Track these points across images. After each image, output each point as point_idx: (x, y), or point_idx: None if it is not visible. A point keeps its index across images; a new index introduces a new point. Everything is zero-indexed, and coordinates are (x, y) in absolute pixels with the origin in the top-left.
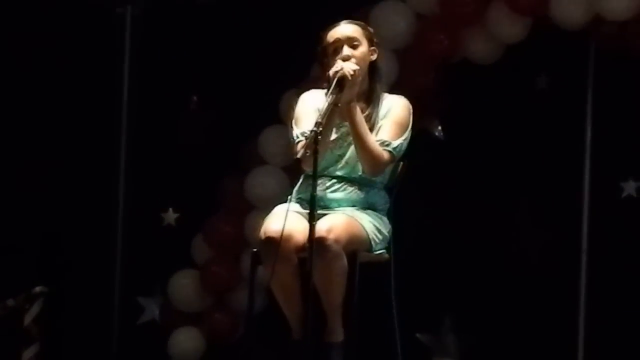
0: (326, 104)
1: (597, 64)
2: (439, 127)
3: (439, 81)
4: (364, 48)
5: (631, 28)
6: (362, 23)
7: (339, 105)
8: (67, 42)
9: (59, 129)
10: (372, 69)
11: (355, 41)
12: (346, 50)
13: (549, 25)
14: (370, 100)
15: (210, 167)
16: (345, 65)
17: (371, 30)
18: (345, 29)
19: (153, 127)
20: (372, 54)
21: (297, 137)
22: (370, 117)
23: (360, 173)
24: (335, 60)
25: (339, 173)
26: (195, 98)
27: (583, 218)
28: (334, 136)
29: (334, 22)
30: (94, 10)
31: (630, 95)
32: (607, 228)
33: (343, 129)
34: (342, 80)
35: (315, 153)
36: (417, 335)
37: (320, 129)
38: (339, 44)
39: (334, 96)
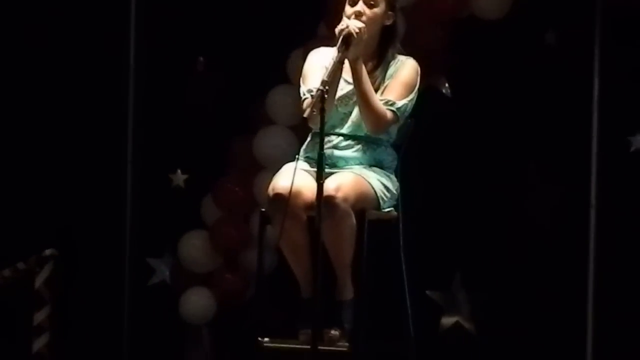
0: (332, 62)
1: (604, 19)
2: (446, 84)
3: (446, 38)
4: (379, 10)
5: None
6: None
7: (346, 62)
8: (72, 5)
9: (67, 92)
10: (386, 32)
11: (372, 0)
12: (359, 6)
13: None
14: (379, 63)
15: (218, 128)
16: (351, 23)
17: None
18: None
19: (160, 88)
20: (387, 18)
21: (304, 95)
22: (377, 79)
23: (366, 131)
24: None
25: (345, 131)
26: (202, 59)
27: (591, 173)
28: (339, 94)
29: None
30: None
31: (637, 50)
32: (615, 183)
33: (349, 88)
34: (348, 38)
35: (322, 111)
36: (427, 292)
37: (327, 87)
38: None
39: (340, 54)
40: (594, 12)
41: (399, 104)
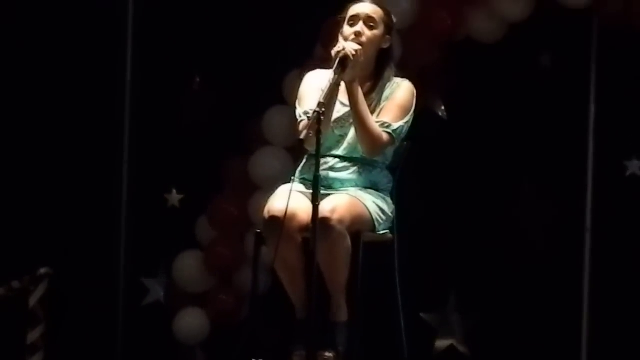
0: (328, 84)
1: (600, 41)
2: (442, 107)
3: (443, 60)
4: (377, 32)
5: (635, 5)
6: (387, 9)
7: (342, 84)
8: (69, 23)
9: (62, 111)
10: (382, 55)
11: (372, 22)
12: (359, 27)
13: (552, 3)
14: (375, 85)
15: (213, 147)
16: (347, 45)
17: (394, 19)
18: (367, 7)
19: (156, 107)
20: (385, 41)
21: (300, 117)
22: (373, 101)
23: (361, 153)
24: (340, 38)
25: (341, 153)
26: (198, 78)
27: (587, 197)
28: (335, 116)
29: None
30: None
31: (633, 73)
32: (611, 207)
33: (345, 110)
34: (345, 60)
35: (318, 133)
36: (422, 314)
37: (323, 109)
38: (356, 19)
39: (337, 76)
40: (590, 35)
41: (395, 126)
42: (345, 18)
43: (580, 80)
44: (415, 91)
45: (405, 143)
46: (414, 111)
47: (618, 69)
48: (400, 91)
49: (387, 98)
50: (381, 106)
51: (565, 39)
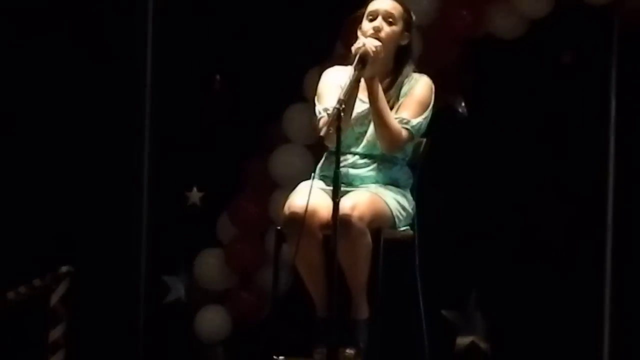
0: (348, 81)
1: (621, 38)
2: (463, 104)
3: (463, 57)
4: (396, 28)
5: None
6: (407, 6)
7: (362, 81)
8: (89, 23)
9: (85, 111)
10: (401, 52)
11: (391, 18)
12: (378, 22)
13: (572, 0)
14: (394, 81)
15: (234, 146)
16: (368, 42)
17: (413, 16)
18: (386, 3)
19: (177, 106)
20: (403, 38)
21: (319, 113)
22: (391, 97)
23: (381, 150)
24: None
25: (360, 150)
26: (218, 77)
27: (608, 195)
28: (355, 113)
29: None
30: None
31: None
32: (632, 205)
33: (364, 107)
34: (365, 57)
35: (338, 130)
36: (443, 312)
37: (343, 106)
38: (375, 15)
39: (356, 72)
40: (610, 31)
41: (414, 122)
42: (364, 14)
43: (600, 77)
44: (433, 86)
45: (424, 139)
46: (433, 106)
47: (639, 65)
48: (418, 87)
49: (406, 94)
50: (399, 102)
51: (586, 36)
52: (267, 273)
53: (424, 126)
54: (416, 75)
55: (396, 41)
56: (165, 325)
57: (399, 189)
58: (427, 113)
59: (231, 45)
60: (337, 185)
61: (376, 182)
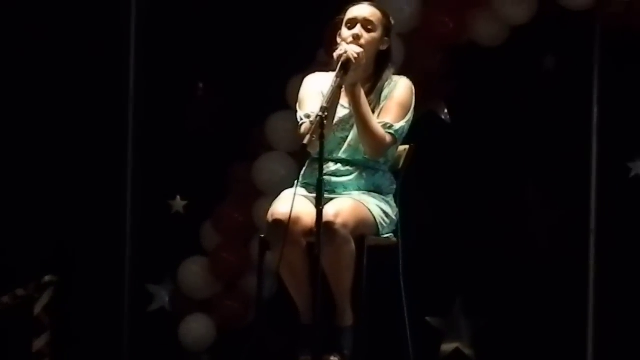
0: (330, 88)
1: (603, 44)
2: (445, 110)
3: (445, 64)
4: (376, 34)
5: (637, 7)
6: (385, 11)
7: (343, 87)
8: (73, 29)
9: (66, 117)
10: (381, 57)
11: (370, 25)
12: (357, 29)
13: (554, 6)
14: (374, 86)
15: (217, 153)
16: (349, 48)
17: (392, 21)
18: (364, 10)
19: (160, 114)
20: (383, 43)
21: (301, 119)
22: (372, 102)
23: (363, 155)
24: (341, 42)
25: (342, 156)
26: (201, 84)
27: (591, 199)
28: (336, 119)
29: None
30: None
31: (636, 75)
32: (615, 208)
33: (345, 112)
34: (347, 63)
35: (321, 137)
36: (427, 318)
37: (326, 113)
38: (353, 22)
39: (339, 79)
40: (592, 37)
41: (397, 126)
42: (342, 20)
43: (583, 82)
44: (413, 88)
45: (407, 146)
46: (414, 108)
47: (621, 70)
48: (398, 89)
49: (387, 97)
50: (381, 106)
51: (568, 42)
52: (252, 280)
53: (406, 129)
54: (396, 78)
55: (376, 47)
56: (149, 334)
57: (382, 196)
58: (409, 116)
59: (214, 54)
60: (321, 192)
61: (359, 189)
